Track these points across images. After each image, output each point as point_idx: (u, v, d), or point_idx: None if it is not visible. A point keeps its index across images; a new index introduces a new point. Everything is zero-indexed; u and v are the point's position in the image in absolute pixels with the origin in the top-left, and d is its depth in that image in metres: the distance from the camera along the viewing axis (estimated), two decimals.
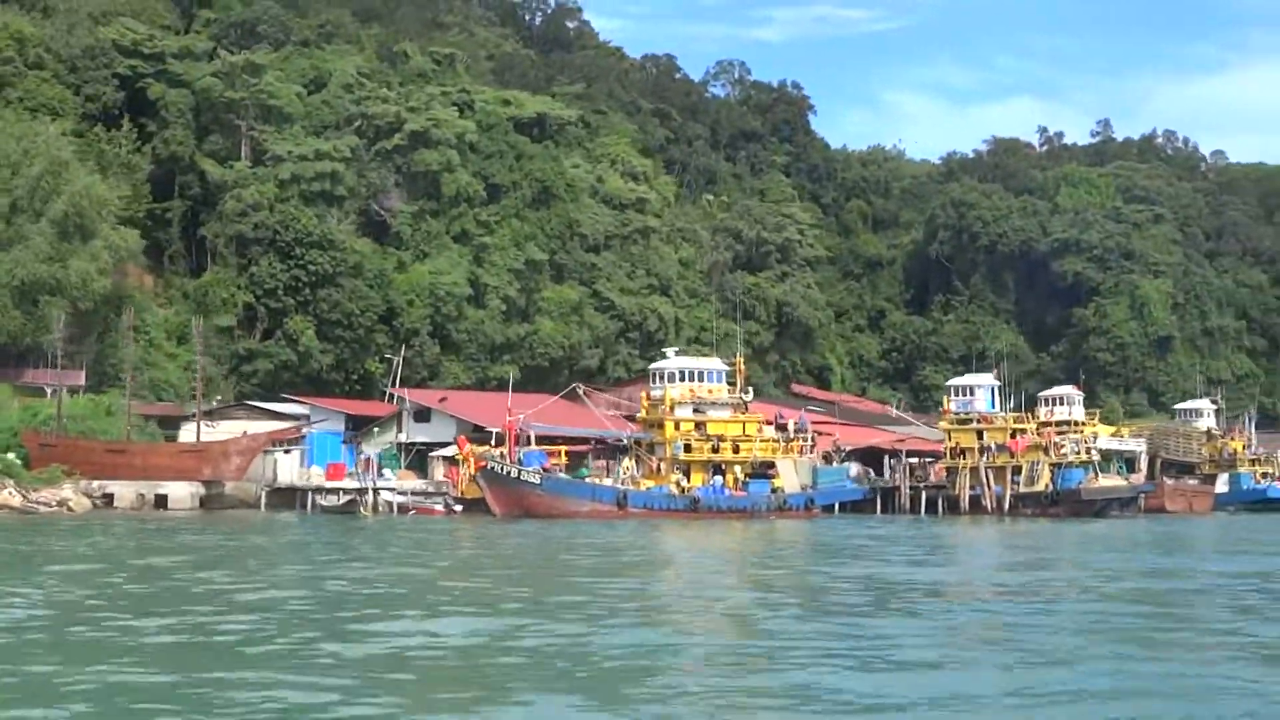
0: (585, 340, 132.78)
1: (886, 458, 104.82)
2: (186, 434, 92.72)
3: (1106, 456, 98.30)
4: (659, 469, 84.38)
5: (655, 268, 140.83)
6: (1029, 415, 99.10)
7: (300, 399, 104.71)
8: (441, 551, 52.00)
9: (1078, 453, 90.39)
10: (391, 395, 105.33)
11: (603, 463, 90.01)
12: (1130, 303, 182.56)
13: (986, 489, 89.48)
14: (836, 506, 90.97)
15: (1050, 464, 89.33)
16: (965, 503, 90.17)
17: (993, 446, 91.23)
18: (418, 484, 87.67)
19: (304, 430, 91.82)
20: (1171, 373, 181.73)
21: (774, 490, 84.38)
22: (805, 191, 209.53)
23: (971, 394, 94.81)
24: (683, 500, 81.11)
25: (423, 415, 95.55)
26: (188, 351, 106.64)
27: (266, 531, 62.97)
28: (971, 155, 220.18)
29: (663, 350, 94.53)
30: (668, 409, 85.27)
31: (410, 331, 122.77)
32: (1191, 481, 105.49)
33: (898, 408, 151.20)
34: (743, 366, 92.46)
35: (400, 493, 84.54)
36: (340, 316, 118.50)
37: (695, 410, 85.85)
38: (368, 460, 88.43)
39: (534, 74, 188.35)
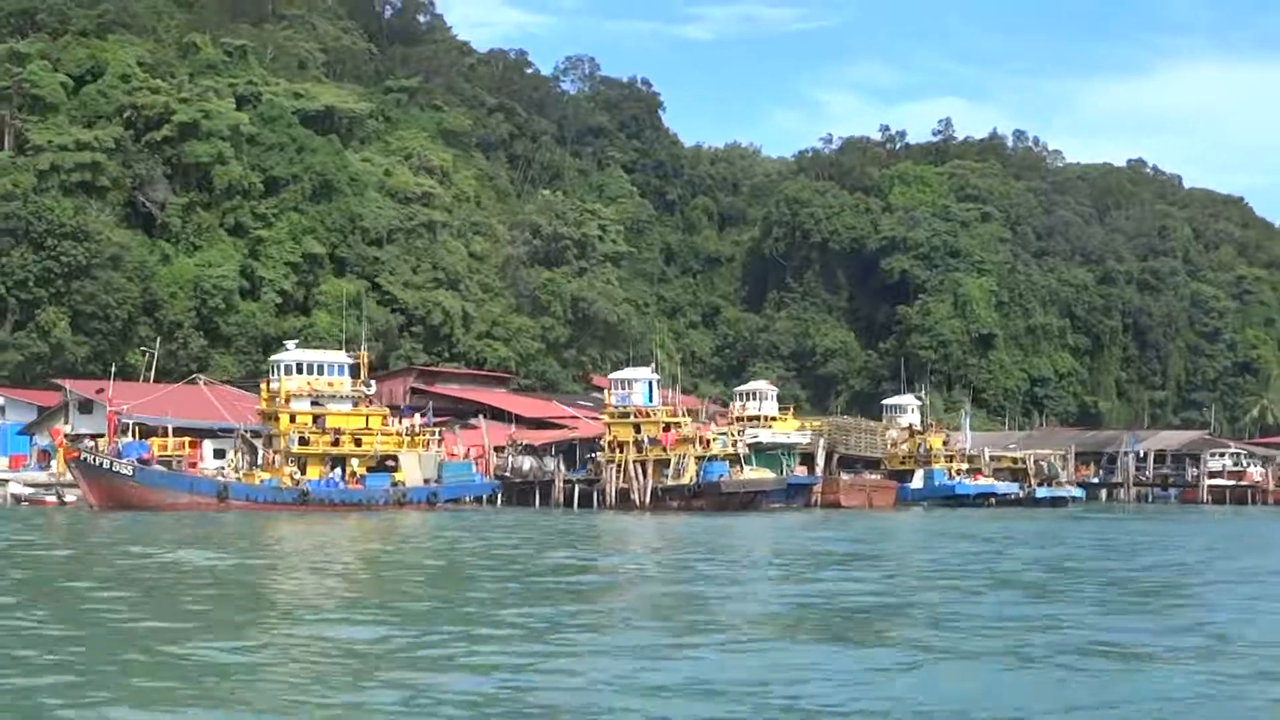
0: (363, 333, 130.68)
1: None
2: None
3: (770, 450, 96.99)
4: (274, 461, 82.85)
5: (443, 262, 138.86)
6: (727, 409, 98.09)
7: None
8: None
9: (724, 447, 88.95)
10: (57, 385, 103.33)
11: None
12: (953, 300, 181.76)
13: (635, 482, 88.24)
14: (491, 499, 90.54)
15: (696, 457, 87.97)
16: (612, 496, 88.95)
17: (645, 440, 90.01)
18: (40, 475, 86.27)
19: None
20: (993, 370, 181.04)
21: (395, 484, 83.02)
22: (651, 187, 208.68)
23: (629, 388, 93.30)
24: (291, 493, 79.53)
25: (86, 406, 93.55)
26: None
27: None
28: (824, 153, 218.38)
29: (284, 344, 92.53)
30: (283, 401, 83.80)
31: (173, 324, 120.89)
32: (873, 476, 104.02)
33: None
34: (366, 360, 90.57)
35: (27, 485, 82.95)
36: (96, 309, 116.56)
37: (314, 403, 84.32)
38: (42, 451, 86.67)
39: (368, 67, 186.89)
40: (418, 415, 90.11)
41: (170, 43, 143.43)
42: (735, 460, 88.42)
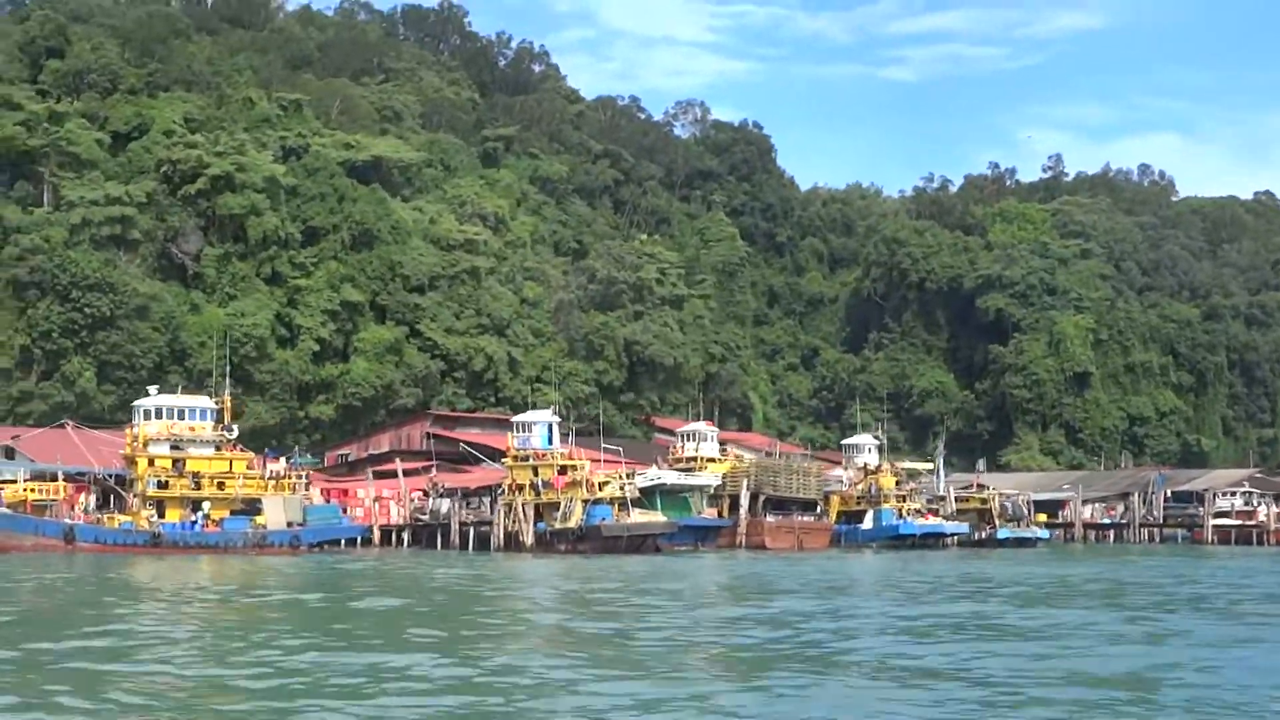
0: (400, 379, 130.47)
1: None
2: None
3: (676, 492, 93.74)
4: (133, 504, 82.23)
5: (488, 308, 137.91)
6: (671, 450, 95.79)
7: None
8: None
9: (617, 490, 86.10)
10: None
11: None
12: (1049, 339, 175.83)
13: (524, 525, 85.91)
14: (367, 541, 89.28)
15: (583, 500, 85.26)
16: (500, 539, 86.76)
17: (540, 483, 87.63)
18: None
19: None
20: (1089, 409, 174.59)
21: (255, 527, 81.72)
22: (759, 230, 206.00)
23: (529, 430, 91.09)
24: (142, 535, 78.87)
25: (9, 453, 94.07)
26: None
27: None
28: (927, 191, 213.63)
29: (147, 389, 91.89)
30: (141, 445, 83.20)
31: (203, 373, 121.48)
32: (806, 518, 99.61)
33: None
34: (229, 404, 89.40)
35: None
36: (121, 358, 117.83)
37: (174, 447, 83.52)
38: None
39: (469, 117, 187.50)
40: (283, 459, 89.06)
41: (233, 99, 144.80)
42: (624, 504, 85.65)
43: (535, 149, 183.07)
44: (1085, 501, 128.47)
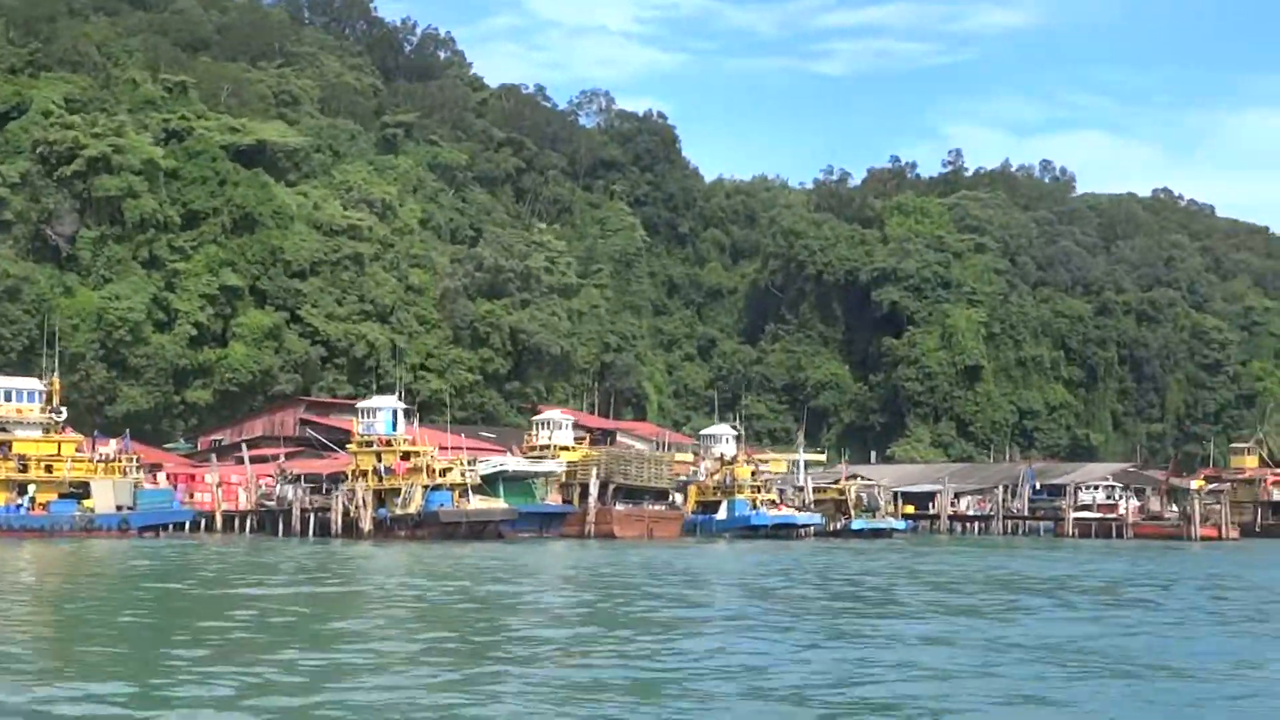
0: (279, 365, 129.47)
1: None
2: None
3: (520, 479, 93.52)
4: None
5: (370, 294, 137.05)
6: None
7: None
8: None
9: (458, 477, 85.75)
10: None
11: None
12: (941, 332, 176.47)
13: (363, 511, 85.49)
14: (204, 526, 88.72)
15: (423, 486, 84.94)
16: (337, 525, 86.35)
17: (382, 469, 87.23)
18: None
19: None
20: (980, 402, 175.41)
21: (83, 511, 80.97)
22: (662, 220, 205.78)
23: (374, 417, 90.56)
24: None
25: None
26: None
27: None
28: (826, 184, 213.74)
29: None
30: None
31: (75, 356, 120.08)
32: (657, 507, 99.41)
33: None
34: (59, 386, 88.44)
35: None
36: None
37: (1, 429, 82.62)
38: None
39: (369, 103, 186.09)
40: (113, 441, 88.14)
41: (119, 81, 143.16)
42: (464, 490, 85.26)
43: (435, 136, 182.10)
44: (961, 494, 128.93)
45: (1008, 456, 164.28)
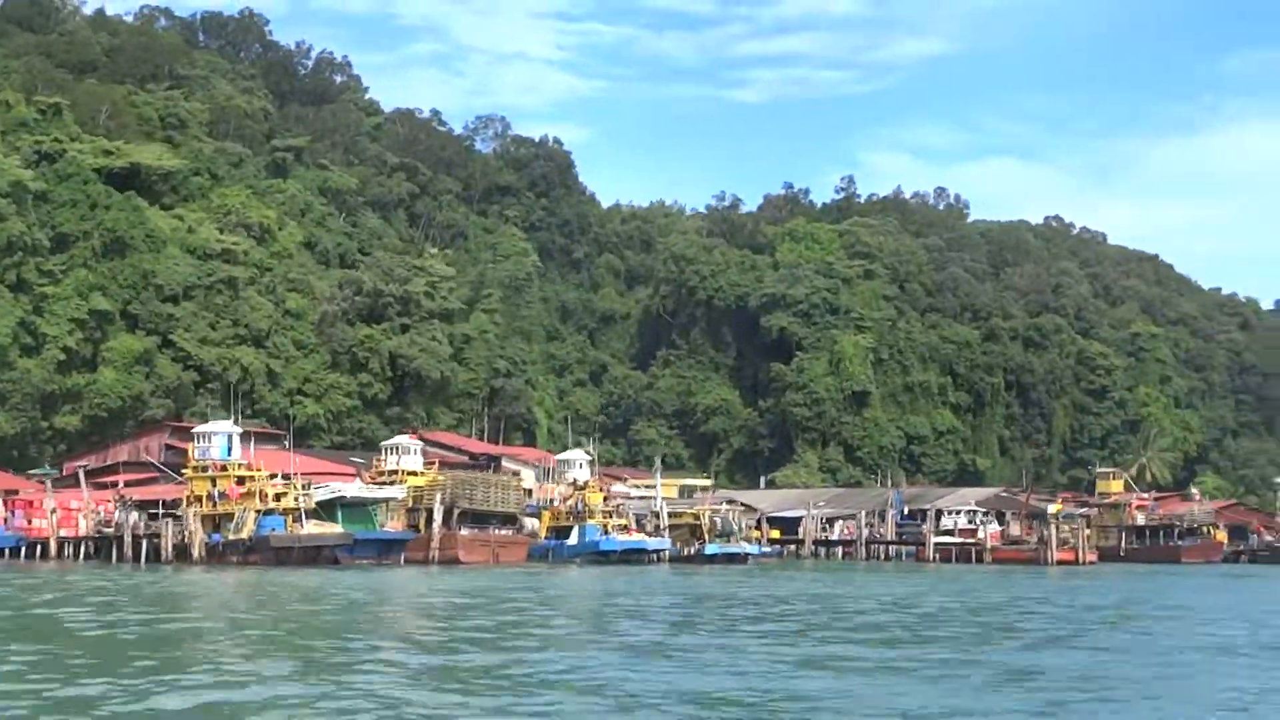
0: (150, 390, 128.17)
1: None
2: None
3: (358, 504, 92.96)
4: None
5: (245, 318, 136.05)
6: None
7: None
8: None
9: (292, 502, 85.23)
10: None
11: None
12: (830, 358, 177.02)
13: (193, 536, 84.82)
14: (27, 552, 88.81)
15: (257, 511, 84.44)
16: (168, 551, 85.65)
17: (216, 494, 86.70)
18: None
19: None
20: (868, 427, 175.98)
21: None
22: (556, 245, 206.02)
23: (209, 441, 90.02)
24: None
25: None
26: None
27: None
28: (718, 209, 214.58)
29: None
30: None
31: None
32: (503, 532, 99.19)
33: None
34: None
35: None
36: None
37: None
38: None
39: (259, 127, 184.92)
40: None
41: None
42: (298, 515, 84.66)
43: (326, 160, 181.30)
44: (834, 519, 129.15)
45: (891, 483, 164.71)
